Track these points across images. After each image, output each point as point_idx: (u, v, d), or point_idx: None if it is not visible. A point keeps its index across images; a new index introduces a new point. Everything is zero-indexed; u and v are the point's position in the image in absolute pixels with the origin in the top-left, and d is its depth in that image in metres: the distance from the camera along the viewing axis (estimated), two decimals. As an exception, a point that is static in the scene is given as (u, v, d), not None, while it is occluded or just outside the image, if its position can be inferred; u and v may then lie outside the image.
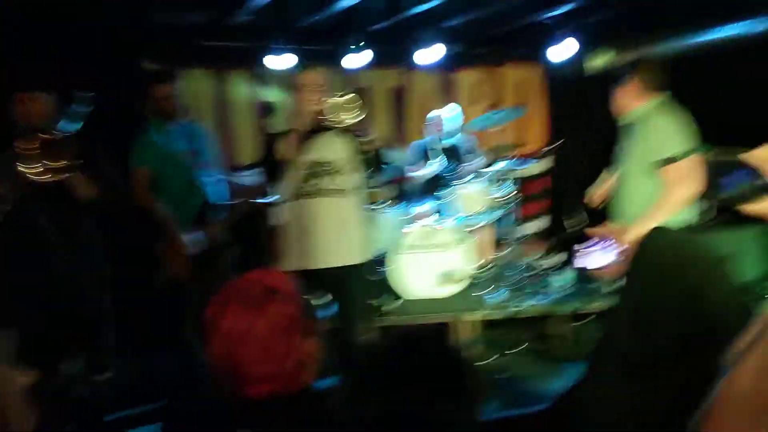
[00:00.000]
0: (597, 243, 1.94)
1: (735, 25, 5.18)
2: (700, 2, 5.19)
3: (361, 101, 3.12)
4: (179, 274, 3.78)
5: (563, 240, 5.50)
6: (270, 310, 1.33)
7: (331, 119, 3.10)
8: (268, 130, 3.50)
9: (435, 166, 5.40)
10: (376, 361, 1.09)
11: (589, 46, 6.03)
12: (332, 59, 5.47)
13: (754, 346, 1.01)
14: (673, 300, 1.27)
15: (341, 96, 3.12)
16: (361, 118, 3.10)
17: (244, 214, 3.92)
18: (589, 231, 1.99)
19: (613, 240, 2.16)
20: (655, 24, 5.60)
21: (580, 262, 1.88)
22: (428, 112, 5.79)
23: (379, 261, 5.08)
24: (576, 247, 2.24)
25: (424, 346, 1.08)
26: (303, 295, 1.46)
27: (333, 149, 3.41)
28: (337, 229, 3.39)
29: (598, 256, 1.88)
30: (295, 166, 3.37)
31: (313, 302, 1.53)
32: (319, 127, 3.36)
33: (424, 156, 5.56)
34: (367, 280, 3.26)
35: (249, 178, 4.58)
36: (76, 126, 3.03)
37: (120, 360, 3.81)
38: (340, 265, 3.39)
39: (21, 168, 2.70)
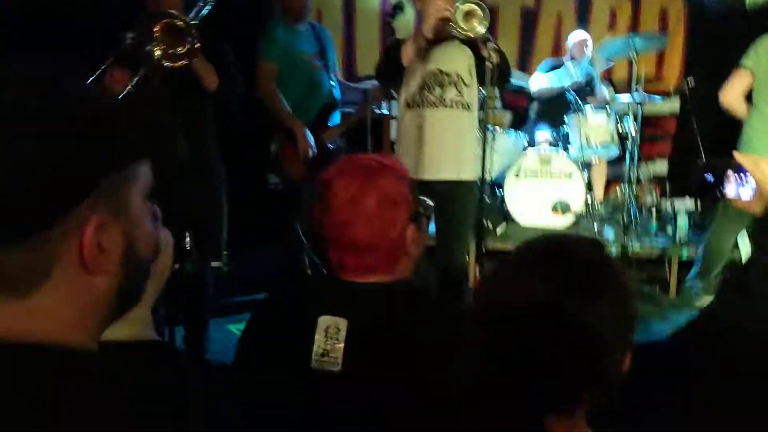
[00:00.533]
0: (738, 175, 1.79)
1: None
2: None
3: (487, 11, 2.97)
4: (295, 174, 3.84)
5: (692, 181, 5.18)
6: (381, 182, 1.33)
7: (456, 28, 2.98)
8: (392, 35, 3.42)
9: (565, 83, 5.13)
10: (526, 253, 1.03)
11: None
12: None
13: None
14: None
15: (467, 3, 2.98)
16: (485, 28, 2.96)
17: (362, 120, 3.90)
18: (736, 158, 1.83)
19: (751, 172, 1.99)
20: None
21: (726, 190, 1.74)
22: (558, 35, 5.50)
23: (494, 183, 5.00)
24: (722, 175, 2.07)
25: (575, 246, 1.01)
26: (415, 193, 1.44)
27: (456, 60, 3.30)
28: (453, 142, 3.32)
29: (740, 187, 1.75)
30: (416, 73, 3.30)
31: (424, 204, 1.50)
32: (443, 36, 3.26)
33: (556, 76, 5.29)
34: (479, 199, 3.19)
35: (370, 84, 4.55)
36: (202, 14, 3.02)
37: (233, 252, 3.99)
38: (454, 178, 3.33)
39: (147, 49, 2.74)
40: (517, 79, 5.40)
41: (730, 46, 5.95)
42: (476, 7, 2.97)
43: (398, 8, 3.37)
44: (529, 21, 5.96)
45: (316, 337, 1.27)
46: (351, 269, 1.35)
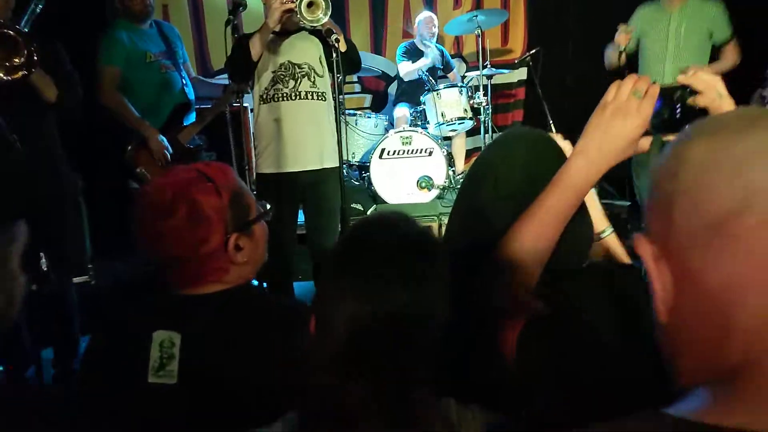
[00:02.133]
0: None
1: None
2: None
3: (329, 1, 3.01)
4: (152, 179, 3.74)
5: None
6: (193, 197, 1.29)
7: (301, 19, 3.01)
8: (236, 31, 3.40)
9: (423, 63, 5.28)
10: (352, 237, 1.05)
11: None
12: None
13: None
14: None
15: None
16: (327, 17, 3.00)
17: (220, 116, 3.85)
18: None
19: None
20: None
21: None
22: (407, 16, 5.64)
23: (358, 166, 5.09)
24: None
25: (396, 225, 1.00)
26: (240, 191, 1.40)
27: (307, 50, 3.35)
28: (312, 132, 3.37)
29: None
30: (267, 68, 3.31)
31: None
32: (291, 28, 3.29)
33: (411, 57, 5.43)
34: (344, 184, 3.26)
35: (222, 80, 4.50)
36: (33, 15, 2.85)
37: (96, 264, 3.85)
38: (317, 168, 3.38)
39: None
40: (372, 63, 5.52)
41: (567, 15, 6.37)
42: None
43: (240, 5, 3.35)
44: (378, 4, 6.07)
45: (152, 352, 1.27)
46: (181, 282, 1.34)
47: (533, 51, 5.46)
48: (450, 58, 5.65)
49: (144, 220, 1.30)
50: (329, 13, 3.00)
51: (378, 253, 0.95)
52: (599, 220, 1.49)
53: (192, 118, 3.95)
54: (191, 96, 3.98)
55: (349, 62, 3.28)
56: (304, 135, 3.36)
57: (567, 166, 1.13)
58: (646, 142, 1.14)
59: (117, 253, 4.20)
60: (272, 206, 1.49)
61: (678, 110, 1.12)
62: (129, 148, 3.73)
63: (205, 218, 1.30)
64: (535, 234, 1.13)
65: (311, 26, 3.05)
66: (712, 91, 1.12)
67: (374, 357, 0.90)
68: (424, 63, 5.25)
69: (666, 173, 0.64)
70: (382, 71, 5.66)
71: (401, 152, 4.94)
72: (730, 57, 4.18)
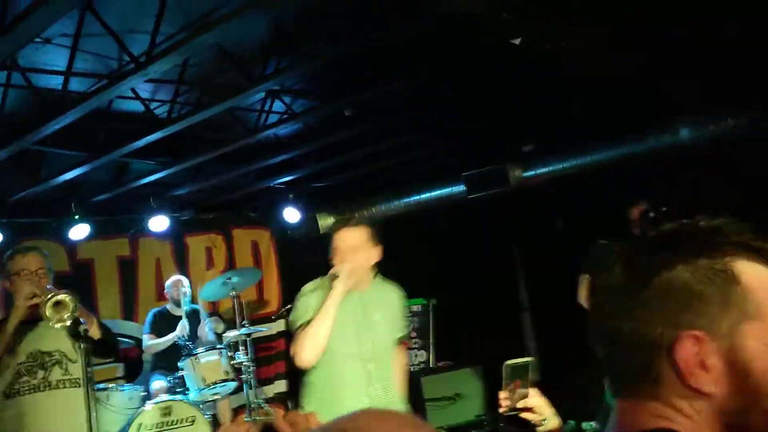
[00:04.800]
0: None
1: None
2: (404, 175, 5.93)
3: (77, 303, 2.92)
4: None
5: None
6: None
7: (44, 316, 2.88)
8: None
9: (178, 331, 5.16)
10: None
11: (316, 209, 6.49)
12: (51, 232, 5.17)
13: None
14: None
15: (54, 295, 2.90)
16: (71, 319, 2.89)
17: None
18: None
19: None
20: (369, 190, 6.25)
21: None
22: (159, 280, 5.62)
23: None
24: None
25: None
26: None
27: (58, 337, 3.14)
28: (67, 422, 3.07)
29: None
30: (11, 361, 3.04)
31: None
32: (39, 316, 3.11)
33: (163, 324, 5.31)
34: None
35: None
36: None
37: None
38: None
39: None
40: (123, 330, 5.31)
41: (319, 266, 6.82)
42: (67, 298, 2.89)
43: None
44: (128, 269, 6.00)
45: None
46: None
47: (289, 306, 5.68)
48: (205, 317, 5.63)
49: None
50: (76, 312, 2.88)
51: None
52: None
53: None
54: None
55: (105, 349, 3.16)
56: (56, 427, 3.06)
57: None
58: None
59: None
60: None
61: None
62: None
63: None
64: None
65: (57, 326, 2.90)
66: None
67: None
68: (172, 336, 5.17)
69: None
70: (136, 339, 5.45)
71: (161, 425, 4.63)
72: None
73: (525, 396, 2.03)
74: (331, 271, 2.78)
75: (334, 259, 2.80)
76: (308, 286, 2.95)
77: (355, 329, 2.81)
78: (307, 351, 2.72)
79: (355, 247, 2.78)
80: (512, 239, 6.48)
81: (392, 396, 2.86)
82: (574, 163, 5.28)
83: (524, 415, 2.07)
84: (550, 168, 5.41)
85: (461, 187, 5.72)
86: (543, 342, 6.31)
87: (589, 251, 4.33)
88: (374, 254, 2.88)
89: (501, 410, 2.07)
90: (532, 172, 5.43)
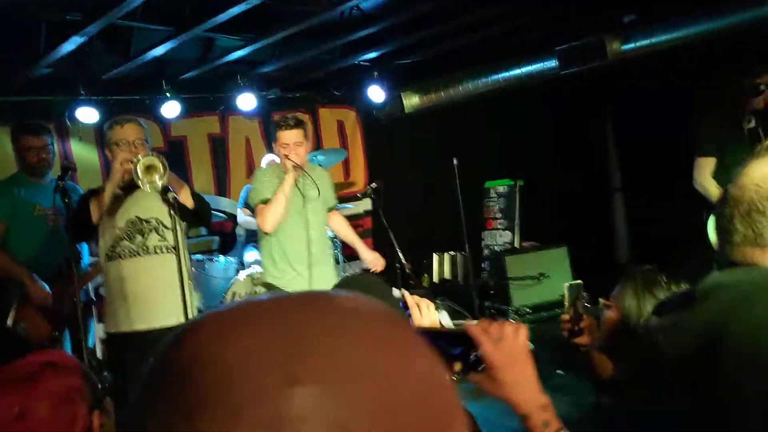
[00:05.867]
0: None
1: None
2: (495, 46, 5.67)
3: (166, 165, 3.02)
4: (41, 334, 3.46)
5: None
6: (47, 386, 1.26)
7: (137, 180, 3.00)
8: (66, 194, 3.29)
9: None
10: None
11: (401, 88, 6.37)
12: (144, 110, 5.31)
13: None
14: None
15: (144, 158, 3.02)
16: (165, 178, 3.00)
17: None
18: None
19: None
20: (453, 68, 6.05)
21: None
22: (250, 158, 5.75)
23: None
24: None
25: None
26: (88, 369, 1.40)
27: (153, 205, 3.29)
28: (163, 288, 3.26)
29: None
30: (113, 225, 3.22)
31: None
32: (135, 184, 3.25)
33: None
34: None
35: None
36: None
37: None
38: (169, 324, 3.25)
39: None
40: (217, 204, 5.51)
41: (405, 145, 6.80)
42: (156, 161, 3.00)
43: (69, 169, 3.32)
44: (218, 147, 6.16)
45: None
46: None
47: (374, 184, 5.73)
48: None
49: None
50: (166, 176, 2.99)
51: None
52: None
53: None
54: (84, 252, 3.86)
55: (197, 218, 3.28)
56: (155, 291, 3.25)
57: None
58: None
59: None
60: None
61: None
62: (11, 311, 3.45)
63: (70, 401, 1.26)
64: None
65: (147, 188, 3.02)
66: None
67: None
68: None
69: None
70: (228, 213, 5.66)
71: (254, 294, 4.88)
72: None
73: (580, 318, 2.05)
74: (284, 163, 3.64)
75: (280, 151, 3.66)
76: (262, 171, 4.04)
77: (300, 204, 3.72)
78: (269, 221, 3.63)
79: (299, 143, 3.65)
80: (606, 118, 6.20)
81: (327, 253, 3.94)
82: (678, 35, 4.88)
83: (577, 340, 2.07)
84: (652, 40, 5.02)
85: (553, 63, 5.43)
86: (634, 224, 6.15)
87: None
88: (309, 147, 4.02)
89: (564, 333, 2.09)
90: (632, 45, 5.06)
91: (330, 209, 4.00)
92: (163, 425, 0.41)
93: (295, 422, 0.39)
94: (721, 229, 1.22)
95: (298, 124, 3.71)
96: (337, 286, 1.47)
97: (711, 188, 3.89)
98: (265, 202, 3.65)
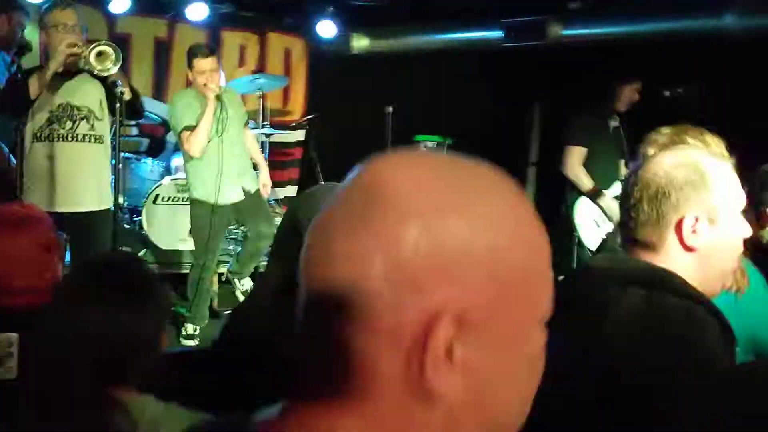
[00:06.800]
0: None
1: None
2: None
3: (119, 53, 3.14)
4: None
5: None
6: (29, 229, 1.46)
7: (89, 66, 3.10)
8: (18, 73, 3.36)
9: None
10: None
11: (352, 28, 6.49)
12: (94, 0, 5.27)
13: None
14: None
15: (98, 44, 3.12)
16: (116, 68, 3.13)
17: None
18: None
19: None
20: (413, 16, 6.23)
21: None
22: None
23: (129, 209, 5.07)
24: None
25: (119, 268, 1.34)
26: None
27: (88, 94, 3.40)
28: (86, 174, 3.41)
29: None
30: (45, 106, 3.31)
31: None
32: (73, 70, 3.33)
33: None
34: (116, 227, 3.33)
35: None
36: None
37: None
38: (90, 210, 3.41)
39: None
40: (152, 108, 5.56)
41: (345, 85, 6.95)
42: (109, 49, 3.12)
43: (24, 47, 3.35)
44: (162, 51, 6.15)
45: None
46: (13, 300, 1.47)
47: (311, 116, 5.91)
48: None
49: None
50: (119, 64, 3.11)
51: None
52: None
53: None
54: None
55: (133, 110, 3.41)
56: (77, 177, 3.39)
57: None
58: None
59: None
60: None
61: None
62: None
63: (47, 249, 1.50)
64: None
65: (99, 74, 3.14)
66: None
67: None
68: None
69: None
70: (162, 118, 5.72)
71: (176, 199, 5.02)
72: None
73: None
74: (205, 90, 3.87)
75: (197, 78, 3.91)
76: (178, 95, 4.31)
77: (221, 127, 3.97)
78: (196, 148, 3.90)
79: (214, 70, 3.90)
80: (536, 96, 6.54)
81: (247, 162, 4.31)
82: (614, 30, 5.21)
83: None
84: (591, 30, 5.35)
85: (499, 34, 5.69)
86: (542, 198, 6.57)
87: None
88: (221, 75, 4.31)
89: None
90: (571, 31, 5.38)
91: (245, 124, 4.36)
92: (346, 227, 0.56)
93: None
94: (628, 207, 1.35)
95: (213, 51, 4.01)
96: (305, 197, 1.69)
97: (581, 176, 4.36)
98: (189, 128, 3.89)
